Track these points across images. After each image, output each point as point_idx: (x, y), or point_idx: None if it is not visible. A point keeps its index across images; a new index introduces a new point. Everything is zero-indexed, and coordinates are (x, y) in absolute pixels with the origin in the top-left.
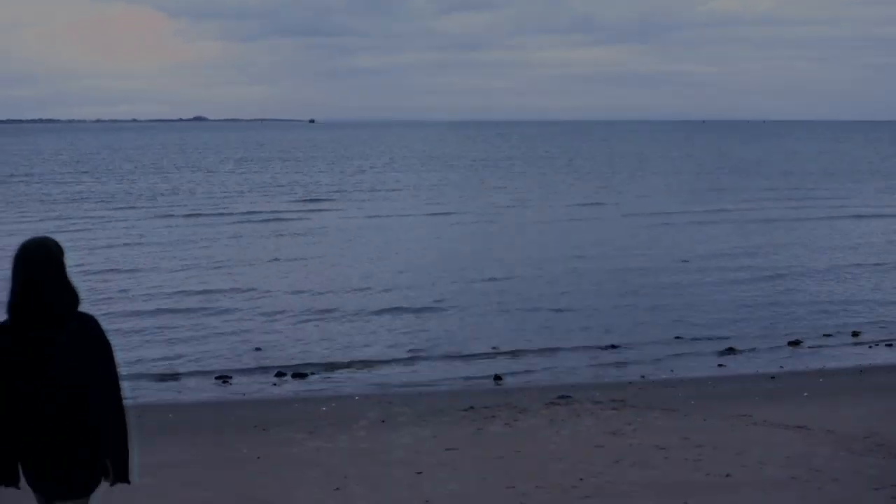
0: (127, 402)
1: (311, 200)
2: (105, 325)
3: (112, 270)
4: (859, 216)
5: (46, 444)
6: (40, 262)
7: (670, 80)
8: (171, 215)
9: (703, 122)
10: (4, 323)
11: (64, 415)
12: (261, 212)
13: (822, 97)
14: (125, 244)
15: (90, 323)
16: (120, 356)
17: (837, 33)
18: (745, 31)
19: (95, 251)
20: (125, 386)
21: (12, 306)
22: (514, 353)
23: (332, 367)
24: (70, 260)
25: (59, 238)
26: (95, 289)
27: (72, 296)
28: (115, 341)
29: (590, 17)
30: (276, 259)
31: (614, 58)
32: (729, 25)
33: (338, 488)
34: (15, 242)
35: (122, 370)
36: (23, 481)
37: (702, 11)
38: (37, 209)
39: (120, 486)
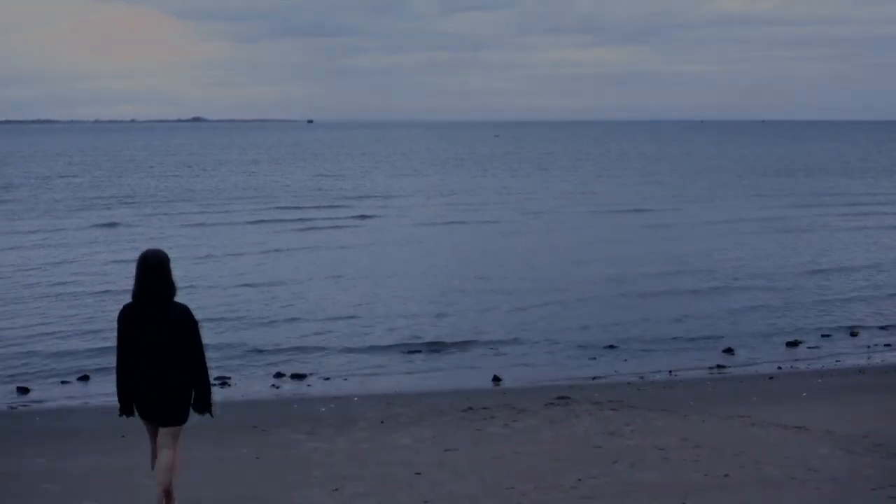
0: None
1: (337, 206)
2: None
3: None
4: None
5: (153, 386)
6: (153, 266)
7: (676, 80)
8: (202, 224)
9: (702, 122)
10: (129, 304)
11: (164, 367)
12: (284, 220)
13: (824, 97)
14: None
15: (184, 308)
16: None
17: (842, 33)
18: (750, 31)
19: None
20: None
21: (134, 293)
22: (512, 354)
23: (331, 368)
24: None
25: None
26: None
27: (172, 289)
28: (112, 343)
29: (595, 17)
30: (278, 251)
31: (620, 58)
32: (734, 26)
33: (337, 489)
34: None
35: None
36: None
37: (708, 11)
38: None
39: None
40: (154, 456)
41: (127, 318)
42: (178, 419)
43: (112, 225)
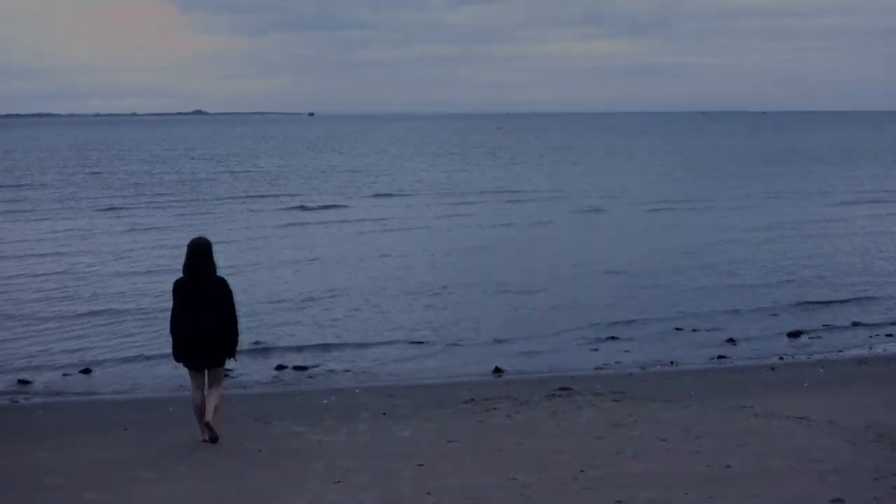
0: (128, 397)
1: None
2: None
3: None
4: None
5: (202, 338)
6: (200, 248)
7: (680, 72)
8: (237, 224)
9: (703, 113)
10: (181, 278)
11: (207, 325)
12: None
13: (829, 87)
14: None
15: (222, 280)
16: (119, 350)
17: (847, 22)
18: (757, 22)
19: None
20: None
21: (184, 270)
22: (514, 345)
23: (332, 360)
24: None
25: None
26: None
27: (214, 266)
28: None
29: (602, 8)
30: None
31: (625, 50)
32: (741, 17)
33: (339, 481)
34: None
35: (123, 365)
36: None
37: (714, 2)
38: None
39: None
40: (197, 399)
41: (180, 288)
42: (222, 361)
43: (148, 229)
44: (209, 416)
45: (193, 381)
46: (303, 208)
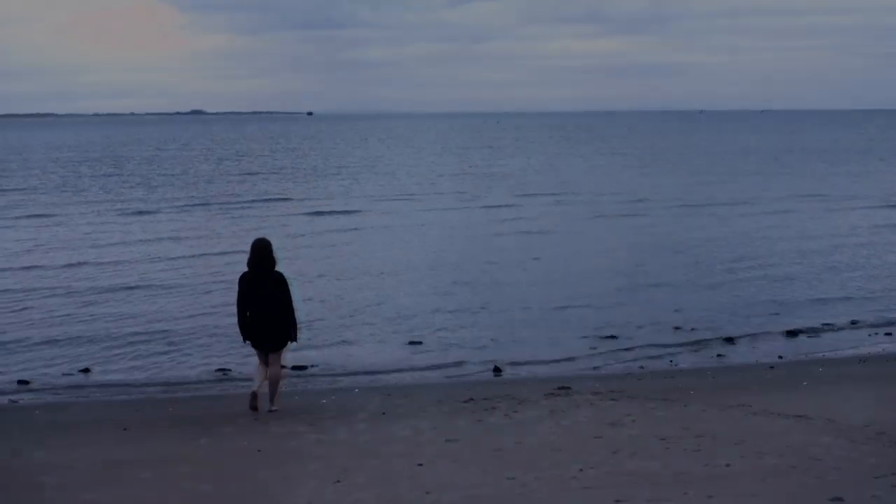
0: (127, 397)
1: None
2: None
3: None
4: None
5: (264, 325)
6: (262, 246)
7: (680, 70)
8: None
9: (701, 111)
10: (246, 272)
11: (270, 313)
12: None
13: (828, 86)
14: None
15: (281, 274)
16: (119, 351)
17: (847, 21)
18: (758, 20)
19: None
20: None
21: (249, 265)
22: (513, 345)
23: (331, 360)
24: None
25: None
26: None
27: (273, 262)
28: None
29: (603, 6)
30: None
31: (626, 48)
32: (742, 15)
33: (338, 481)
34: None
35: (122, 365)
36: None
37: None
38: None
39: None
40: (261, 371)
41: (245, 281)
42: (281, 344)
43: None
44: (256, 387)
45: (259, 357)
46: (317, 213)
